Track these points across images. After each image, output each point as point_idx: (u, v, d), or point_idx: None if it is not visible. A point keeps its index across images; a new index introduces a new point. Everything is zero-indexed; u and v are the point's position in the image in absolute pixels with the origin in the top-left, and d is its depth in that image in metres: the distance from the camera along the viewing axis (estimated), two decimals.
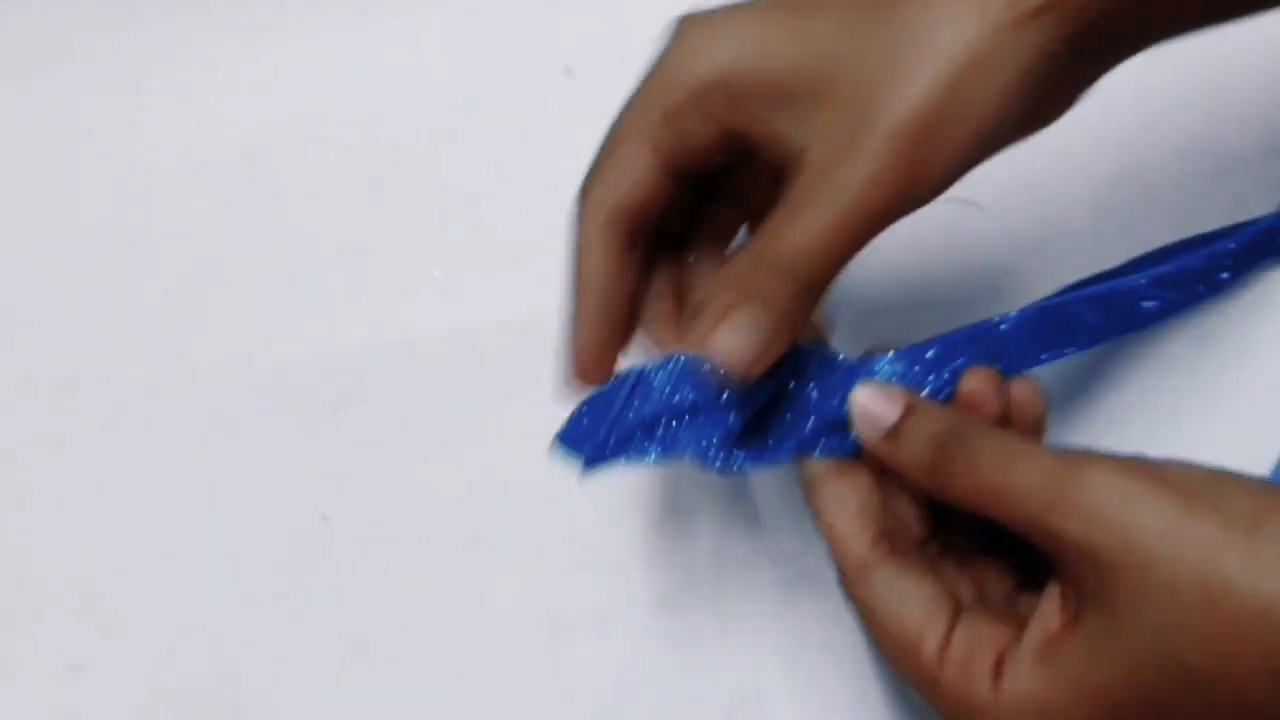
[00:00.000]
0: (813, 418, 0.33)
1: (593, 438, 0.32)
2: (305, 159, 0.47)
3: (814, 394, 0.33)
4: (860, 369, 0.33)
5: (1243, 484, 0.27)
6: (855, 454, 0.32)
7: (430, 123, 0.47)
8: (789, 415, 0.33)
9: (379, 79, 0.48)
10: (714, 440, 0.32)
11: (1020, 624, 0.29)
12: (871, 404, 0.31)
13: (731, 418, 0.32)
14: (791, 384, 0.33)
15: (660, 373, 0.32)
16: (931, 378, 0.33)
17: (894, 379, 0.33)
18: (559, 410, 0.43)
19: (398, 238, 0.46)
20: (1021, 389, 0.32)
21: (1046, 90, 0.30)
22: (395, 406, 0.43)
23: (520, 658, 0.40)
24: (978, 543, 0.33)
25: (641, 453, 0.32)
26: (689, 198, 0.34)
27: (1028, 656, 0.28)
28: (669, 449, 0.32)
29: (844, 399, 0.32)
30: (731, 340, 0.30)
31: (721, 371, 0.30)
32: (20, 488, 0.43)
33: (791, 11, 0.31)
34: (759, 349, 0.30)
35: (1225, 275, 0.40)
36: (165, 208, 0.47)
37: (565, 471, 0.42)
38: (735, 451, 0.32)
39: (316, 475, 0.43)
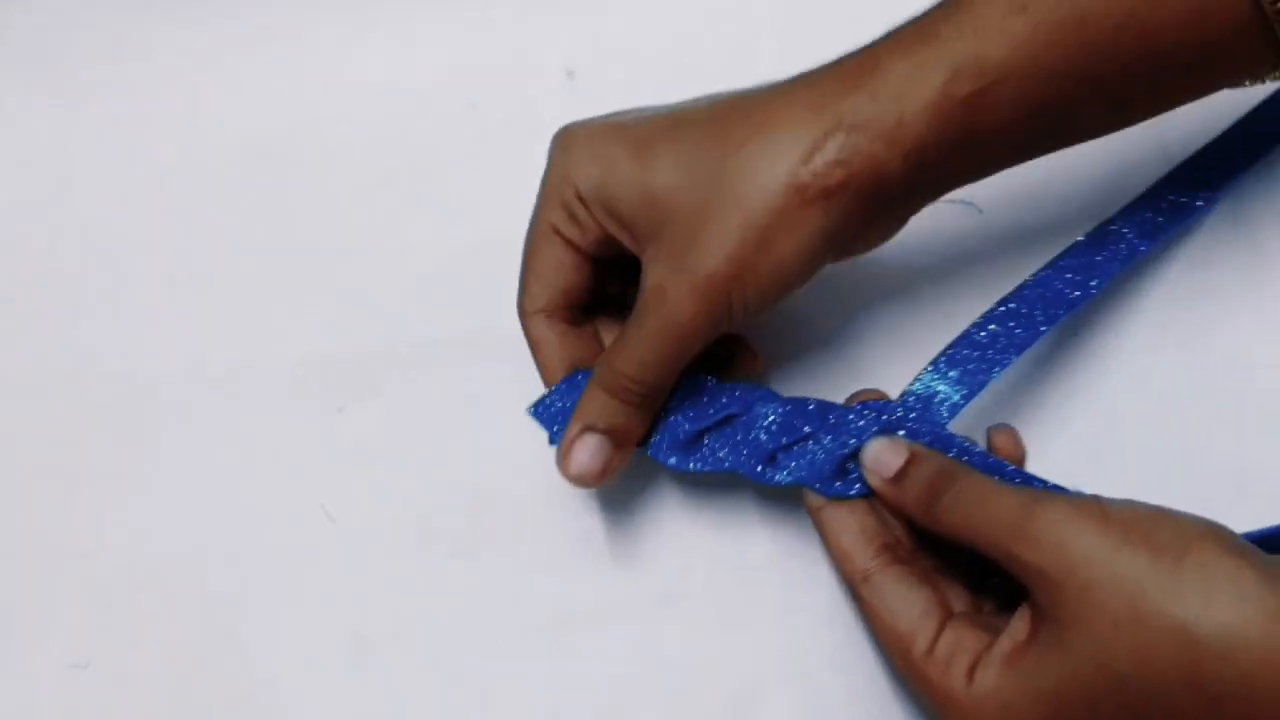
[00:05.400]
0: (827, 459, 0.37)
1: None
2: (310, 160, 0.47)
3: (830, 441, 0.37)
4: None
5: (1176, 520, 0.31)
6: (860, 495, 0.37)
7: (433, 124, 0.47)
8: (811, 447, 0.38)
9: (383, 81, 0.48)
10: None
11: (997, 634, 0.33)
12: (881, 456, 0.36)
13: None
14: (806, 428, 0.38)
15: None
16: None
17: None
18: None
19: (403, 238, 0.46)
20: (1001, 437, 0.39)
21: (849, 240, 0.36)
22: (400, 406, 0.43)
23: (521, 656, 0.40)
24: (954, 563, 0.37)
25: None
26: (614, 270, 0.39)
27: (996, 661, 0.32)
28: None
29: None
30: (580, 460, 0.37)
31: (576, 482, 0.37)
32: (23, 484, 0.44)
33: (648, 144, 0.36)
34: (604, 463, 0.37)
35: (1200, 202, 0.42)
36: (171, 207, 0.47)
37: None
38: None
39: (322, 473, 0.43)
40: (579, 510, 0.42)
